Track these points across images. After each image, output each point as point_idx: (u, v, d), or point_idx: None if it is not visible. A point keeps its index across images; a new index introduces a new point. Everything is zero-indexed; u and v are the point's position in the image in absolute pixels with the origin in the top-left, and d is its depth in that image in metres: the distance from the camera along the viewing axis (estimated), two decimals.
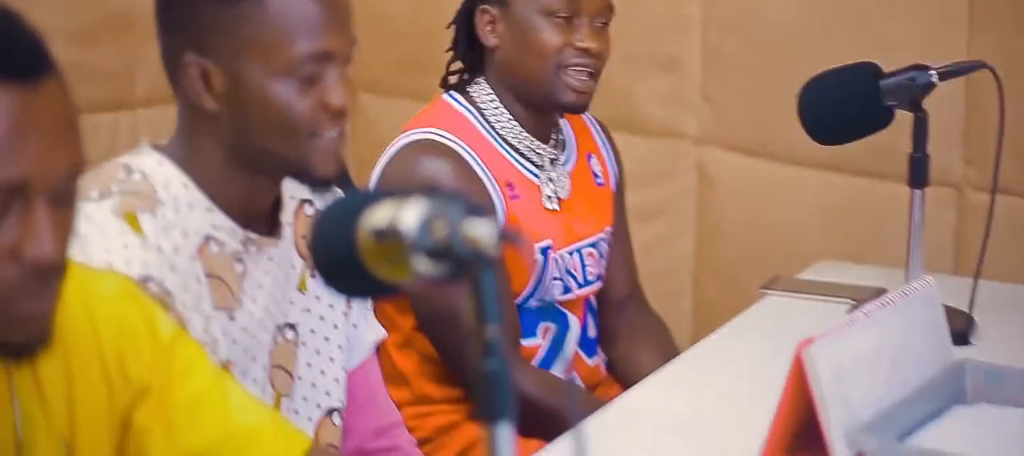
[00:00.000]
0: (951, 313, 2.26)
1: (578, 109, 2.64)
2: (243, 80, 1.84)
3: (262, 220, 1.97)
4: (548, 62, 2.57)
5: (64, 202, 1.38)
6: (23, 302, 1.37)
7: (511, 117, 2.65)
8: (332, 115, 1.86)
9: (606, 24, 2.62)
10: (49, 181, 1.35)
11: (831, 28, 3.38)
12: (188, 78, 1.86)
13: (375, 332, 2.19)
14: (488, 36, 2.62)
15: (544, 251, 2.65)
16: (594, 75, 2.60)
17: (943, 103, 2.61)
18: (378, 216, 1.47)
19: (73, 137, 1.38)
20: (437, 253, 1.39)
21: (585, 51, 2.57)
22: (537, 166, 2.67)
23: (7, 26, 1.35)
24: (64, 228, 1.38)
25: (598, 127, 2.84)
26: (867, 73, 2.53)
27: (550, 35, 2.57)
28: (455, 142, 2.59)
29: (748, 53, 3.52)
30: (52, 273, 1.38)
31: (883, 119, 2.53)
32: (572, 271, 2.71)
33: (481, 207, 1.39)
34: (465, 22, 2.66)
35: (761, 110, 3.52)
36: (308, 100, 1.84)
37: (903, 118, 2.55)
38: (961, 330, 2.50)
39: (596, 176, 2.79)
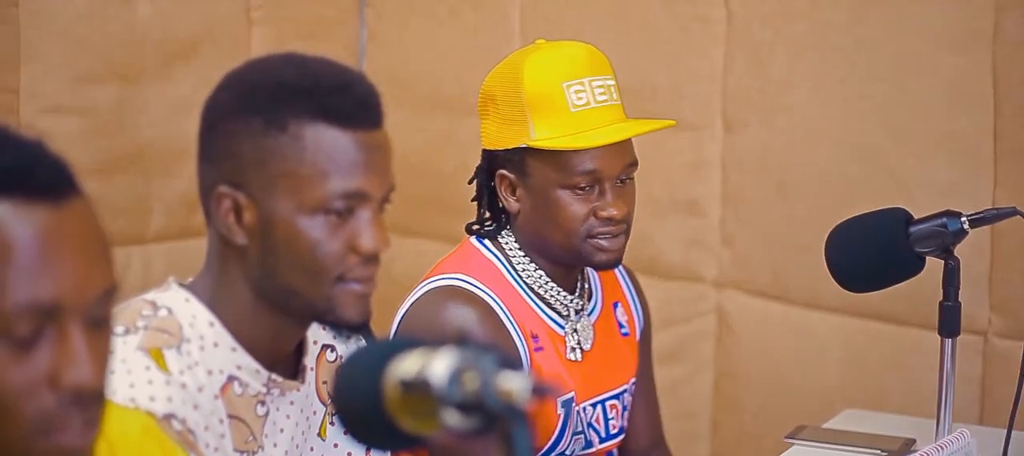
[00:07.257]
0: None
1: (611, 267, 2.56)
2: (273, 215, 1.80)
3: (286, 363, 1.93)
4: (574, 235, 2.48)
5: (99, 325, 1.33)
6: (64, 435, 1.30)
7: (537, 267, 2.56)
8: (363, 259, 1.82)
9: (630, 178, 2.52)
10: (84, 302, 1.30)
11: (851, 171, 3.35)
12: (220, 210, 1.83)
13: None
14: (509, 201, 2.53)
15: (566, 404, 2.57)
16: (624, 232, 2.51)
17: (967, 248, 2.56)
18: (406, 366, 1.43)
19: (105, 258, 1.34)
20: (467, 406, 1.35)
21: (610, 219, 2.48)
22: (562, 316, 2.60)
23: (32, 149, 1.32)
24: (102, 352, 1.33)
25: (626, 275, 2.76)
26: (896, 219, 2.47)
27: (573, 209, 2.47)
28: (483, 290, 2.52)
29: (768, 196, 3.49)
30: (93, 401, 1.32)
31: (914, 267, 2.47)
32: (594, 424, 2.63)
33: (513, 359, 1.35)
34: (486, 179, 2.57)
35: (781, 253, 3.49)
36: (338, 241, 1.81)
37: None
38: None
39: (621, 327, 2.72)
